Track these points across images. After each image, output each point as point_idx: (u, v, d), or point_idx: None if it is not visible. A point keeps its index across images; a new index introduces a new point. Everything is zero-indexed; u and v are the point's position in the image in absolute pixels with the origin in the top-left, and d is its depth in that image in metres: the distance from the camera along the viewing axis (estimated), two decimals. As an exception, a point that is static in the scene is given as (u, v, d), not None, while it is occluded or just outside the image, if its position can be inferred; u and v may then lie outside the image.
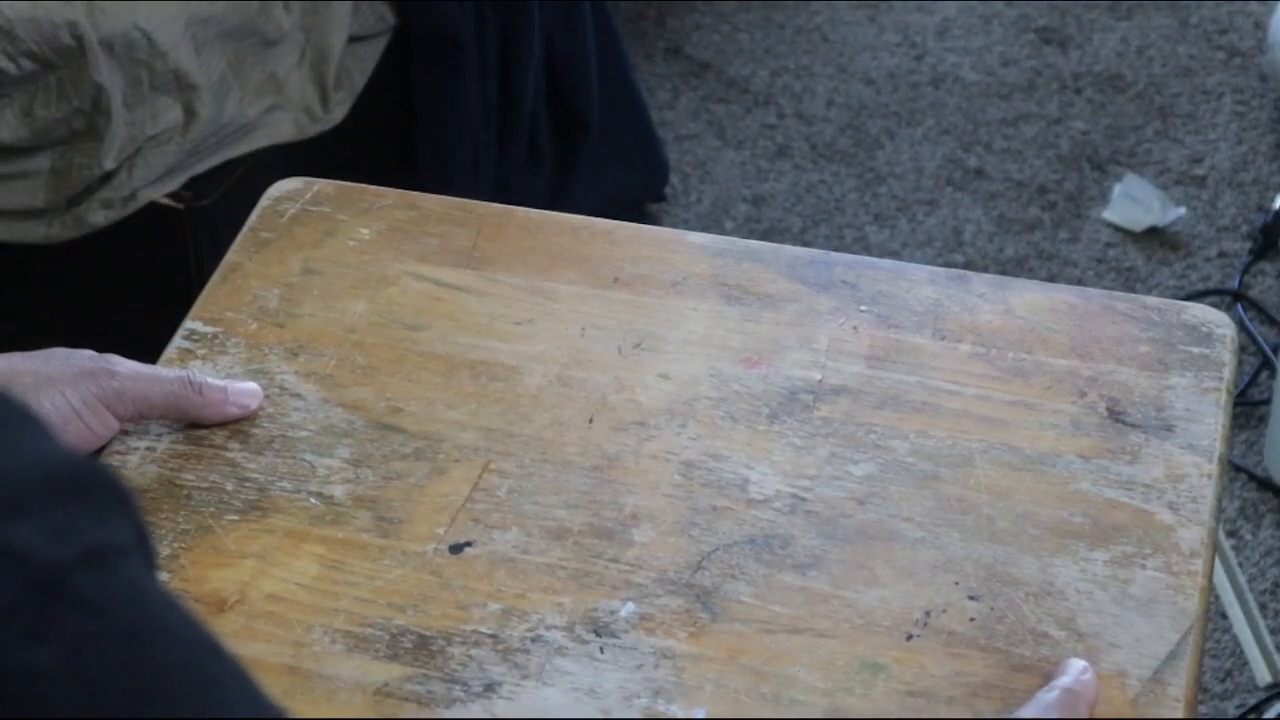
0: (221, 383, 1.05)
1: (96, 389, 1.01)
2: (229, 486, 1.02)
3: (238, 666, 0.63)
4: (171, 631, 0.60)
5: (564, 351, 1.09)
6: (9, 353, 1.01)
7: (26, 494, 0.59)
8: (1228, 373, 1.07)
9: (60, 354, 1.01)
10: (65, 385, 1.00)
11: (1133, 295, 1.12)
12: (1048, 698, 0.89)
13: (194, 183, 1.94)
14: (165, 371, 1.05)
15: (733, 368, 1.08)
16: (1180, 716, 0.91)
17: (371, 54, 2.09)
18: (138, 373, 1.03)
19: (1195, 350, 1.08)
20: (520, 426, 1.05)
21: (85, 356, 1.02)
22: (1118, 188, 2.44)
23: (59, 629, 0.57)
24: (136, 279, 2.05)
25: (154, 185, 1.91)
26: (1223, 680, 1.92)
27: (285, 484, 1.02)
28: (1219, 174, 2.49)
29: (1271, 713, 1.86)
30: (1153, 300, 1.12)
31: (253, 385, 1.06)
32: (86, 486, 0.60)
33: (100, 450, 1.04)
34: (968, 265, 2.35)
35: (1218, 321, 1.10)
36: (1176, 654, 0.93)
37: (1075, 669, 0.91)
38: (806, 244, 2.38)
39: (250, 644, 0.94)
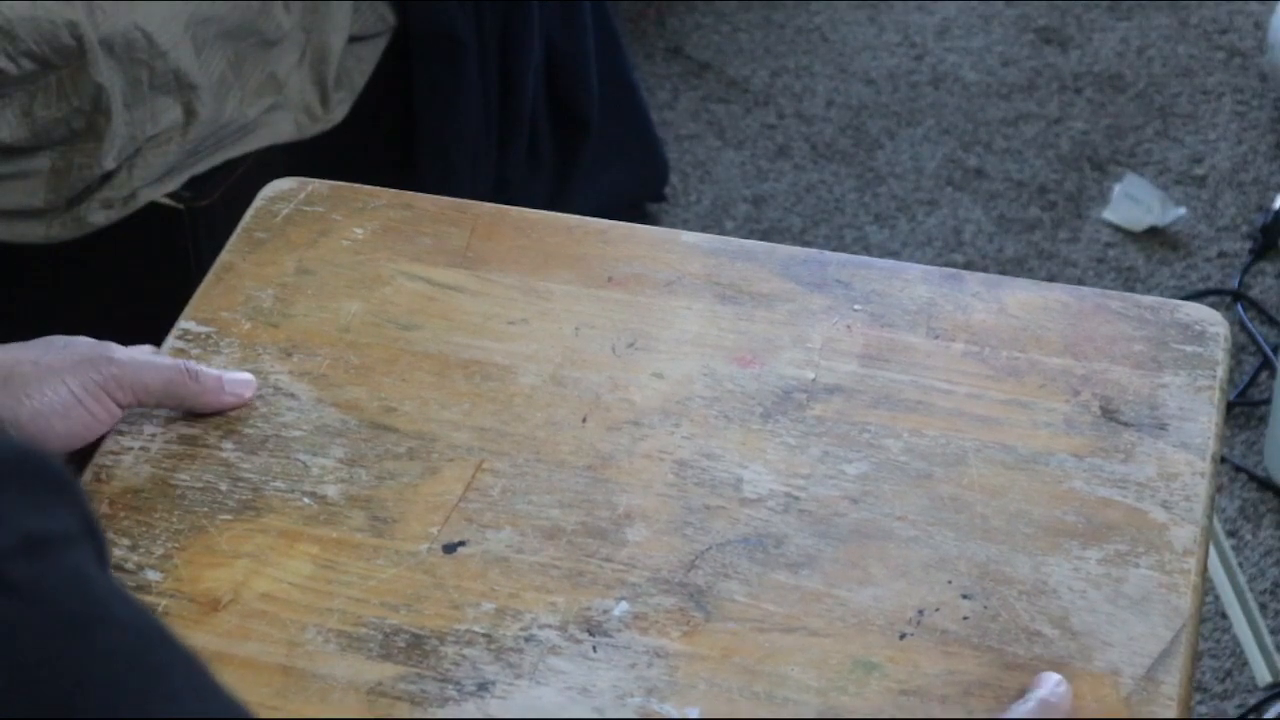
0: (217, 371, 1.06)
1: (96, 375, 1.01)
2: (223, 486, 1.02)
3: (190, 658, 0.62)
4: (115, 621, 0.59)
5: (558, 351, 1.09)
6: (7, 344, 1.01)
7: None
8: (1221, 371, 1.07)
9: (58, 342, 1.02)
10: (65, 373, 1.00)
11: (1126, 294, 1.12)
12: (1023, 708, 0.89)
13: (194, 183, 1.95)
14: (163, 359, 1.05)
15: (726, 367, 1.08)
16: (1174, 715, 0.91)
17: (371, 54, 2.10)
18: (135, 359, 1.03)
19: (1188, 349, 1.08)
20: (514, 426, 1.05)
21: (84, 344, 1.02)
22: (1118, 188, 2.44)
23: None
24: (136, 279, 2.05)
25: (154, 185, 1.91)
26: (1223, 680, 1.92)
27: (279, 484, 1.02)
28: (1219, 174, 2.49)
29: (1271, 713, 1.86)
30: (1146, 299, 1.12)
31: (247, 375, 1.07)
32: (28, 476, 0.60)
33: (99, 441, 1.04)
34: (968, 265, 2.35)
35: (1211, 320, 1.10)
36: (1169, 652, 0.93)
37: (1050, 682, 0.91)
38: (806, 244, 2.38)
39: (244, 644, 0.94)
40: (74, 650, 0.58)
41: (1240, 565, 1.95)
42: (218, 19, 1.91)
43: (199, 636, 0.94)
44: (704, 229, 2.39)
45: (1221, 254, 2.38)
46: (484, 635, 0.94)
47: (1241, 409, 2.19)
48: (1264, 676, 1.80)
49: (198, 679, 0.62)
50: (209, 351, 1.10)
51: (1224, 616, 1.86)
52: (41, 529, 0.58)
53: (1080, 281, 2.33)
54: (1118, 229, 2.42)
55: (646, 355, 1.09)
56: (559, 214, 1.19)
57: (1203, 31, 2.71)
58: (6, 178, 1.86)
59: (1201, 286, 2.34)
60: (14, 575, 0.57)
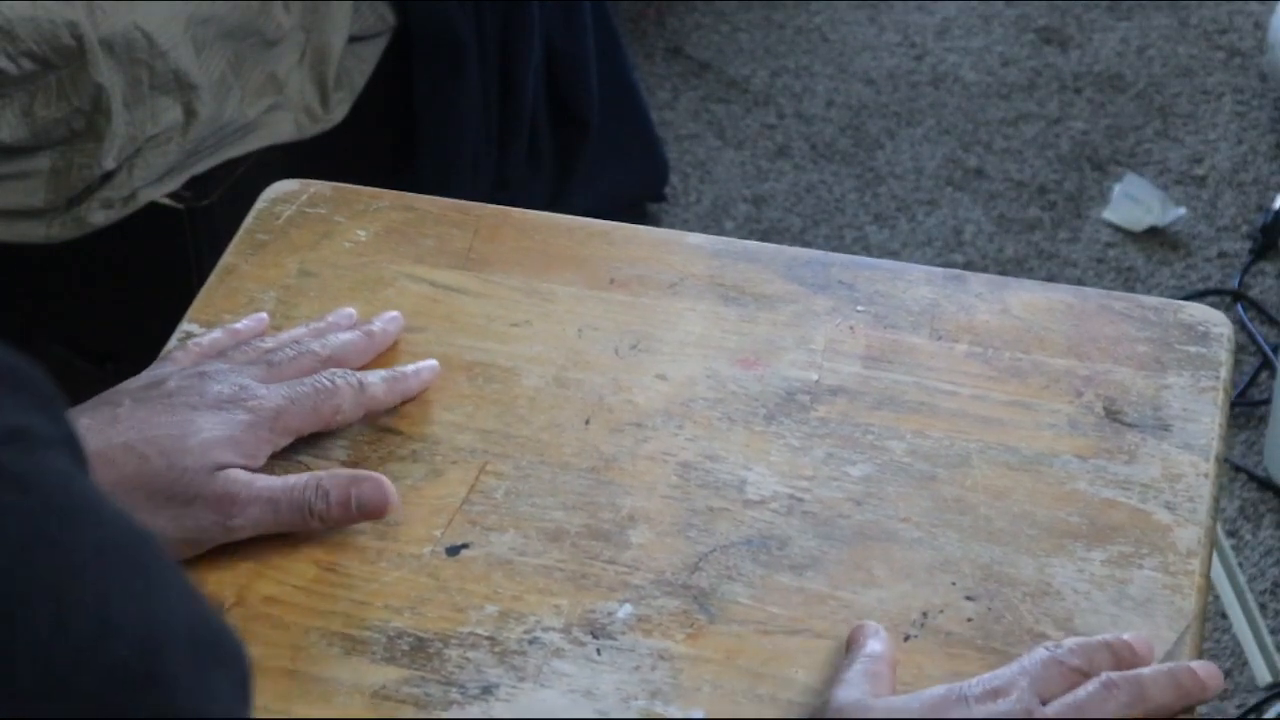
0: (346, 494, 0.97)
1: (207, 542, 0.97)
2: (226, 488, 1.02)
3: (169, 558, 0.62)
4: (102, 515, 0.60)
5: (561, 353, 1.09)
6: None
7: None
8: (1225, 372, 1.07)
9: (181, 501, 0.96)
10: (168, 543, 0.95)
11: (1129, 294, 1.12)
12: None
13: (194, 183, 1.95)
14: (285, 505, 0.97)
15: (729, 369, 1.08)
16: (1180, 716, 0.91)
17: (371, 54, 2.10)
18: (258, 521, 0.97)
19: (1192, 349, 1.08)
20: (517, 428, 1.05)
21: (205, 515, 0.96)
22: (1118, 188, 2.44)
23: None
24: (136, 279, 2.05)
25: (154, 185, 1.91)
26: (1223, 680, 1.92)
27: (282, 486, 1.01)
28: (1219, 174, 2.49)
29: (1271, 713, 1.86)
30: (1149, 300, 1.12)
31: (379, 490, 0.98)
32: (13, 378, 0.60)
33: None
34: (968, 265, 2.35)
35: (1214, 320, 1.10)
36: (1174, 654, 0.93)
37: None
38: (806, 244, 2.38)
39: (248, 647, 0.93)
40: (64, 538, 0.58)
41: (1240, 565, 1.95)
42: (218, 19, 1.90)
43: (202, 639, 0.93)
44: (704, 229, 2.39)
45: (1221, 254, 2.38)
46: (488, 638, 0.94)
47: (1241, 409, 2.19)
48: (1264, 676, 1.80)
49: (177, 576, 0.62)
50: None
51: (1224, 616, 1.86)
52: (25, 424, 0.59)
53: (1080, 281, 2.33)
54: (1118, 229, 2.42)
55: (649, 357, 1.09)
56: (561, 215, 1.19)
57: (1203, 31, 2.71)
58: (6, 178, 1.86)
59: (1201, 286, 2.34)
60: (6, 463, 0.57)
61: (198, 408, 0.98)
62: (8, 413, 0.59)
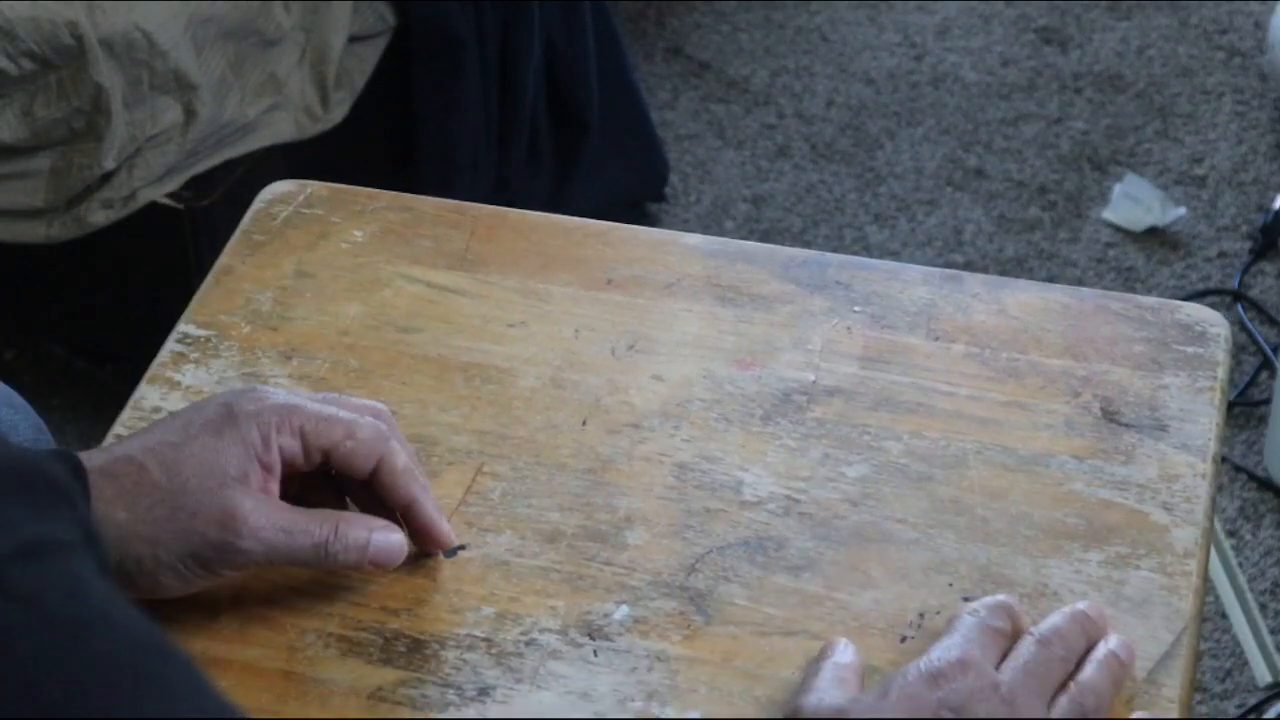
0: (363, 538, 0.93)
1: (209, 557, 0.91)
2: (223, 489, 1.02)
3: (188, 663, 0.62)
4: (112, 626, 0.59)
5: (557, 354, 1.09)
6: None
7: None
8: (1222, 372, 1.07)
9: (184, 511, 0.89)
10: (175, 556, 0.90)
11: (1126, 295, 1.12)
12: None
13: (194, 183, 1.95)
14: (299, 535, 0.92)
15: (726, 369, 1.08)
16: (1175, 717, 0.91)
17: (371, 54, 2.10)
18: (268, 544, 0.91)
19: (1189, 350, 1.08)
20: (513, 429, 1.05)
21: (212, 520, 0.89)
22: (1118, 188, 2.44)
23: None
24: (136, 279, 2.05)
25: (154, 185, 1.91)
26: (1223, 680, 1.92)
27: (279, 486, 1.01)
28: (1219, 174, 2.49)
29: (1271, 713, 1.86)
30: (1147, 300, 1.12)
31: (398, 539, 0.95)
32: (28, 483, 0.60)
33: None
34: (968, 265, 2.35)
35: (1211, 320, 1.10)
36: (1171, 655, 0.93)
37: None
38: (806, 244, 2.38)
39: (244, 649, 0.94)
40: (71, 655, 0.58)
41: (1240, 565, 1.95)
42: (218, 19, 1.91)
43: (199, 642, 0.94)
44: (704, 229, 2.38)
45: (1221, 254, 2.38)
46: (484, 640, 0.94)
47: (1241, 409, 2.19)
48: (1264, 676, 1.80)
49: (195, 684, 0.62)
50: (208, 355, 1.09)
51: (1224, 616, 1.86)
52: (40, 536, 0.59)
53: (1080, 281, 2.33)
54: (1118, 229, 2.42)
55: (646, 358, 1.09)
56: (558, 216, 1.19)
57: (1203, 31, 2.71)
58: (6, 178, 1.87)
59: (1201, 286, 2.34)
60: (12, 580, 0.57)
61: (203, 408, 0.93)
62: (21, 522, 0.59)
